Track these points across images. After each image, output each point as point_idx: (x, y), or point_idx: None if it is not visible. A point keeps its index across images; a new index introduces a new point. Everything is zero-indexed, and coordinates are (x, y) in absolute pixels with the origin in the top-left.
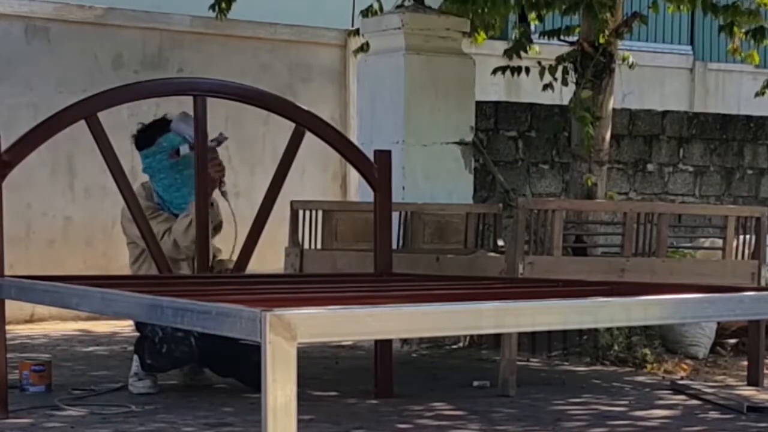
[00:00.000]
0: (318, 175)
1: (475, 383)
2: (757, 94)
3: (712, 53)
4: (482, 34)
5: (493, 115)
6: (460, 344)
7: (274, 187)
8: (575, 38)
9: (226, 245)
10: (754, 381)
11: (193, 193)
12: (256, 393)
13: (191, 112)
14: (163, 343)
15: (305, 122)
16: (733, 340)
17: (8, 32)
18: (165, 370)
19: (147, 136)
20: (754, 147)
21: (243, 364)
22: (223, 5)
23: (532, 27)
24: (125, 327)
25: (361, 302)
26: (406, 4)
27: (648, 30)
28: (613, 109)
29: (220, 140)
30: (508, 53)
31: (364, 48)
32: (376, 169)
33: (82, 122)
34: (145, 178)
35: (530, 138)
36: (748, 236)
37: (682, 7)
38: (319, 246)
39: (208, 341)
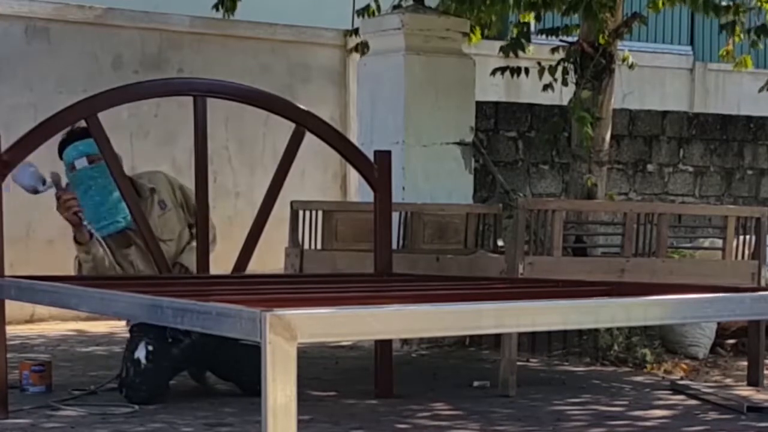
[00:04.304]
0: (318, 175)
1: (475, 383)
2: (761, 89)
3: (712, 54)
4: (477, 34)
5: (493, 116)
6: (460, 344)
7: (274, 187)
8: (575, 38)
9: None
10: (754, 381)
11: (96, 210)
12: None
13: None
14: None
15: (305, 122)
16: (733, 341)
17: (8, 32)
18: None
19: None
20: (754, 147)
21: (243, 368)
22: (228, 4)
23: (532, 26)
24: (124, 327)
25: (361, 302)
26: (404, 4)
27: (648, 30)
28: (613, 110)
29: (56, 181)
30: (504, 50)
31: (358, 48)
32: (376, 170)
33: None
34: None
35: (530, 138)
36: (748, 236)
37: (675, 1)
38: (319, 246)
39: (209, 343)
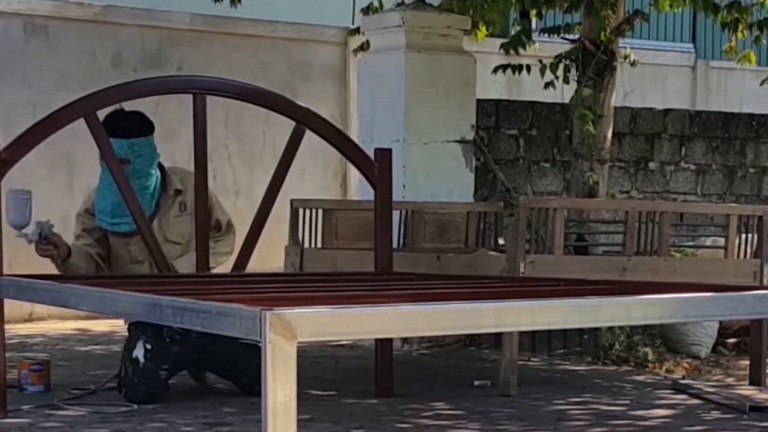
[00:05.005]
0: (318, 173)
1: (476, 383)
2: (763, 82)
3: (714, 51)
4: (482, 30)
5: (494, 114)
6: (461, 343)
7: (274, 185)
8: (576, 36)
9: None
10: (755, 380)
11: (114, 207)
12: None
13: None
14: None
15: (305, 120)
16: (734, 340)
17: (7, 30)
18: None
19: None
20: (756, 145)
21: (243, 367)
22: None
23: (533, 24)
24: (124, 326)
25: (361, 301)
26: (407, 1)
27: (650, 28)
28: (615, 108)
29: (33, 232)
30: (505, 48)
31: (364, 46)
32: (377, 168)
33: (81, 120)
34: None
35: (531, 136)
36: (750, 235)
37: (679, 3)
38: (319, 245)
39: (207, 342)
